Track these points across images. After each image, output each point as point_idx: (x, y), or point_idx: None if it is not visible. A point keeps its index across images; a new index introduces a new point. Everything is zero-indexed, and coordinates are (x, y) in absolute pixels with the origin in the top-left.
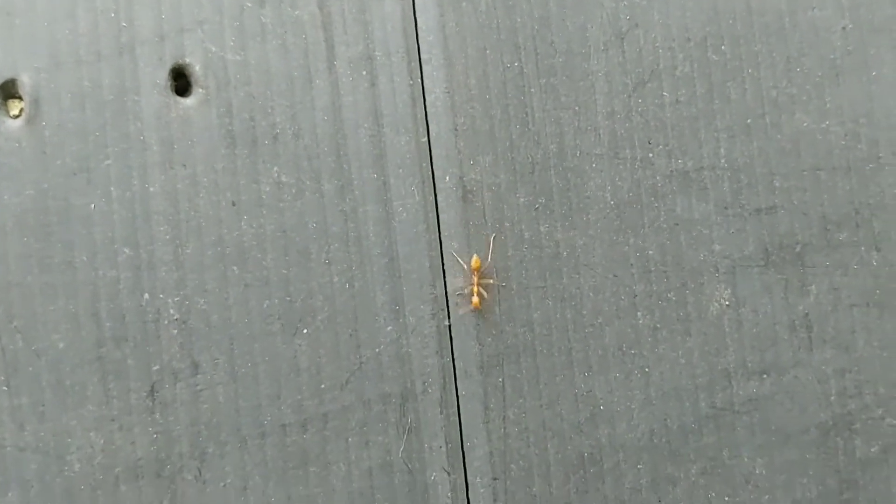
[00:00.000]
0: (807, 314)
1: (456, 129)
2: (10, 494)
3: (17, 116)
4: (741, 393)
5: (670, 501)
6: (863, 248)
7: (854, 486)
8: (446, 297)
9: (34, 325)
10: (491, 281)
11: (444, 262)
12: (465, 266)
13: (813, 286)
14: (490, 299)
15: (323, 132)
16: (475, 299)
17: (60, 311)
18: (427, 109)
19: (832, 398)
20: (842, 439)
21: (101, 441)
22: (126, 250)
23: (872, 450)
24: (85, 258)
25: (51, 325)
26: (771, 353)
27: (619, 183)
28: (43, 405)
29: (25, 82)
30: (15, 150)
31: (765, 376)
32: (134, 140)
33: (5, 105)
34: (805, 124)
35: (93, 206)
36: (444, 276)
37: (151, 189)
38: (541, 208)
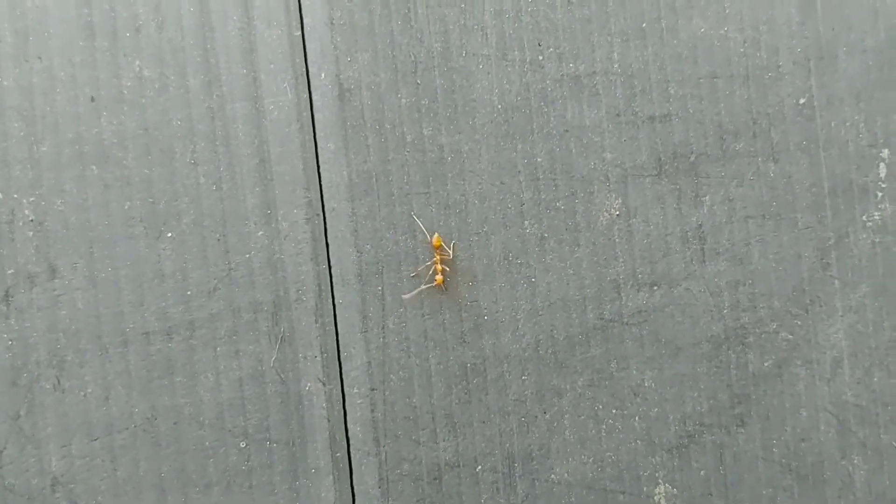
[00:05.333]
0: (700, 225)
1: (332, 23)
2: None
3: None
4: (630, 304)
5: (555, 413)
6: (759, 159)
7: (746, 401)
8: (322, 201)
9: None
10: (449, 255)
11: (320, 164)
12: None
13: (707, 197)
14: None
15: (188, 24)
16: (439, 277)
17: None
18: (301, 1)
19: (725, 311)
20: (734, 353)
21: None
22: None
23: (766, 364)
24: None
25: None
26: (662, 264)
27: (507, 86)
28: None
29: None
30: None
31: (655, 288)
32: None
33: None
34: (703, 30)
35: None
36: (320, 180)
37: (5, 83)
38: (424, 110)
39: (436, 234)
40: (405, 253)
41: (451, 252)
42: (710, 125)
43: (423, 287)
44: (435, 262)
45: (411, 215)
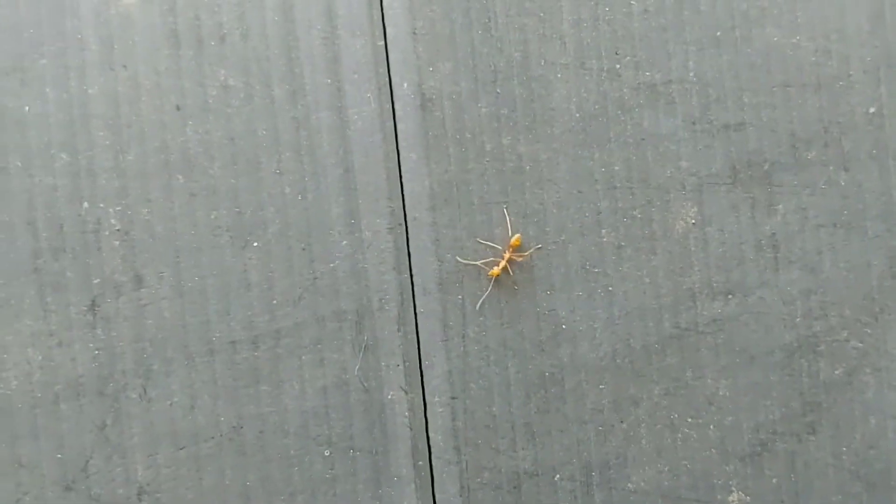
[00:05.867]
0: (773, 234)
1: (414, 33)
2: None
3: None
4: (706, 313)
5: (632, 422)
6: (831, 168)
7: (817, 409)
8: (404, 211)
9: None
10: (523, 257)
11: (402, 173)
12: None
13: (780, 205)
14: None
15: (273, 33)
16: (496, 269)
17: None
18: (384, 11)
19: (797, 320)
20: (806, 361)
21: (40, 357)
22: (63, 156)
23: (836, 372)
24: (19, 163)
25: None
26: (737, 273)
27: (585, 95)
28: None
29: None
30: None
31: (730, 297)
32: (71, 38)
33: None
34: (775, 39)
35: (27, 108)
36: (402, 189)
37: (90, 91)
38: (503, 119)
39: (518, 235)
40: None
41: (525, 255)
42: (783, 134)
43: (479, 263)
44: (504, 258)
45: (502, 209)
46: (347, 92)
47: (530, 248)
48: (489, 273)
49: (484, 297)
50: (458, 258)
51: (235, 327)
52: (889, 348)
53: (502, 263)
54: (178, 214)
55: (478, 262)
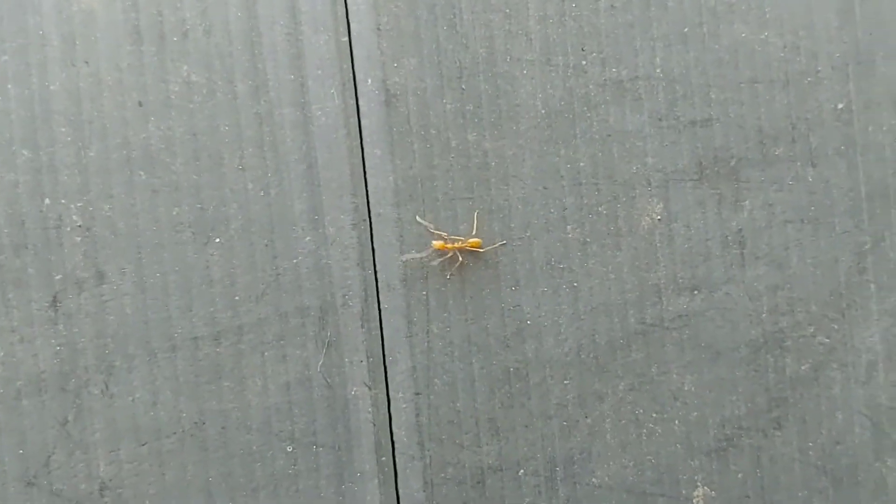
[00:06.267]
0: (740, 230)
1: (379, 29)
2: None
3: None
4: (671, 309)
5: (597, 417)
6: (798, 164)
7: (783, 404)
8: (368, 207)
9: None
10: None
11: (366, 169)
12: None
13: (747, 201)
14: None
15: (236, 29)
16: (441, 243)
17: None
18: (348, 7)
19: (763, 315)
20: (772, 357)
21: (1, 353)
22: (25, 152)
23: (803, 368)
24: None
25: None
26: (702, 268)
27: (551, 91)
28: None
29: None
30: None
31: (696, 292)
32: (33, 35)
33: None
34: (743, 35)
35: None
36: (366, 185)
37: (52, 87)
38: (469, 115)
39: (479, 240)
40: (449, 258)
41: (483, 250)
42: (751, 130)
43: (419, 255)
44: (456, 244)
45: (473, 214)
46: (311, 88)
47: (495, 244)
48: (433, 243)
49: (410, 256)
50: (418, 217)
51: (197, 323)
52: (855, 344)
53: (453, 245)
54: (139, 211)
55: (432, 229)
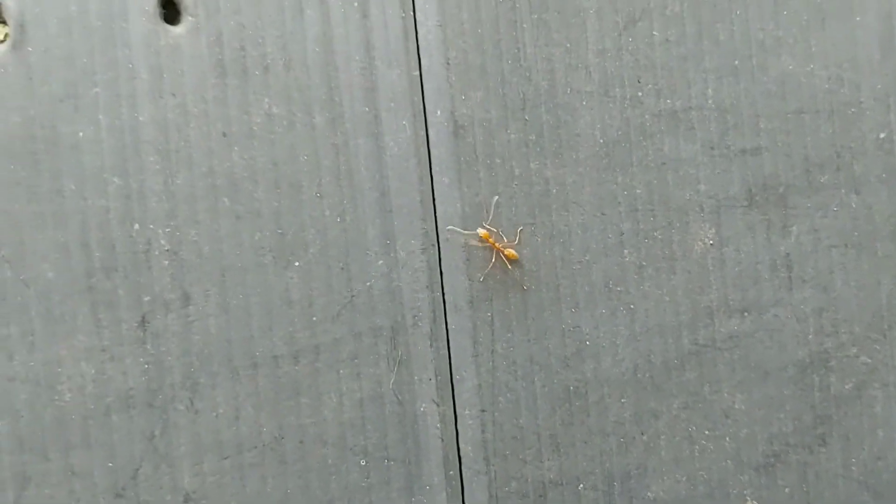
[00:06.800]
0: (788, 254)
1: (448, 63)
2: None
3: (2, 41)
4: (723, 330)
5: (652, 434)
6: (843, 191)
7: (828, 422)
8: (436, 232)
9: (22, 255)
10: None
11: (435, 196)
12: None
13: (794, 227)
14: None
15: (314, 64)
16: (485, 232)
17: (49, 241)
18: (419, 43)
19: (810, 336)
20: (818, 376)
21: (92, 371)
22: (115, 179)
23: (846, 387)
24: (73, 187)
25: (39, 255)
26: (752, 291)
27: (609, 121)
28: (32, 335)
29: (10, 6)
30: (0, 76)
31: (746, 314)
32: (122, 67)
33: None
34: (790, 67)
35: (81, 134)
36: (435, 211)
37: (141, 118)
38: (531, 145)
39: (486, 232)
40: (512, 280)
41: (514, 244)
42: (798, 158)
43: (464, 232)
44: (496, 245)
45: (491, 201)
46: (384, 119)
47: (518, 230)
48: (479, 230)
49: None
50: (448, 227)
51: (277, 343)
52: None
53: (494, 242)
54: (224, 235)
55: (487, 220)
